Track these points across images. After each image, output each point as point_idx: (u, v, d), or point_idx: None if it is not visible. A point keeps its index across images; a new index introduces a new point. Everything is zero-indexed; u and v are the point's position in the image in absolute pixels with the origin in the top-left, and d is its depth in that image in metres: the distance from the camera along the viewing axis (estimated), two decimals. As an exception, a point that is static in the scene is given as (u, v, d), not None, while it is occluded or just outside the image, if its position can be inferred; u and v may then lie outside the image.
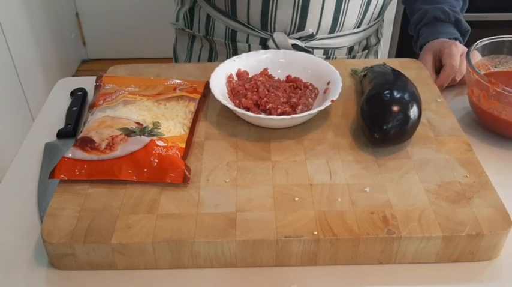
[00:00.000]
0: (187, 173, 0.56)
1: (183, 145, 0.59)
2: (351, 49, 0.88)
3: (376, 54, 0.96)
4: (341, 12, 0.80)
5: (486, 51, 0.73)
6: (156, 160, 0.56)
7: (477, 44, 0.72)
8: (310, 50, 0.83)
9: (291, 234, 0.50)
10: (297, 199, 0.54)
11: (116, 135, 0.58)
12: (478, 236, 0.50)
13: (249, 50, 0.84)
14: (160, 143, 0.58)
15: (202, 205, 0.53)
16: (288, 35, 0.82)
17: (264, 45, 0.83)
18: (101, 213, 0.52)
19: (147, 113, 0.63)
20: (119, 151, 0.57)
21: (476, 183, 0.56)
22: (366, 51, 0.91)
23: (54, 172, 0.56)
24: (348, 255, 0.51)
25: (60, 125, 0.71)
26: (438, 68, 0.79)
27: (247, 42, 0.84)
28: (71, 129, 0.69)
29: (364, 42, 0.90)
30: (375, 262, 0.52)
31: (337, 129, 0.64)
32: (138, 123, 0.61)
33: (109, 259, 0.50)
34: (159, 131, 0.60)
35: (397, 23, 1.80)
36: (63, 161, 0.56)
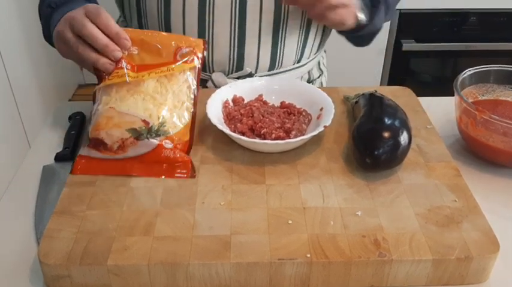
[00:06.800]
0: (193, 170, 0.63)
1: (187, 138, 0.65)
2: None
3: (321, 86, 0.95)
4: (278, 50, 0.81)
5: (473, 79, 0.76)
6: (165, 164, 0.63)
7: (465, 73, 0.74)
8: None
9: (285, 257, 0.51)
10: (290, 222, 0.55)
11: (126, 139, 0.63)
12: (467, 260, 0.51)
13: None
14: (168, 145, 0.63)
15: (197, 227, 0.54)
16: (227, 75, 0.82)
17: (204, 86, 0.82)
18: (98, 235, 0.53)
19: (152, 106, 0.64)
20: (130, 152, 0.63)
21: (465, 207, 0.57)
22: (309, 83, 0.91)
23: (73, 169, 0.63)
24: (340, 278, 0.52)
25: (58, 149, 0.72)
26: None
27: None
28: (68, 153, 0.70)
29: (307, 76, 0.91)
30: (366, 285, 0.53)
31: (329, 154, 0.66)
32: (144, 121, 0.63)
33: (105, 280, 0.51)
34: (165, 129, 0.64)
35: (388, 52, 1.84)
36: (79, 160, 0.64)
